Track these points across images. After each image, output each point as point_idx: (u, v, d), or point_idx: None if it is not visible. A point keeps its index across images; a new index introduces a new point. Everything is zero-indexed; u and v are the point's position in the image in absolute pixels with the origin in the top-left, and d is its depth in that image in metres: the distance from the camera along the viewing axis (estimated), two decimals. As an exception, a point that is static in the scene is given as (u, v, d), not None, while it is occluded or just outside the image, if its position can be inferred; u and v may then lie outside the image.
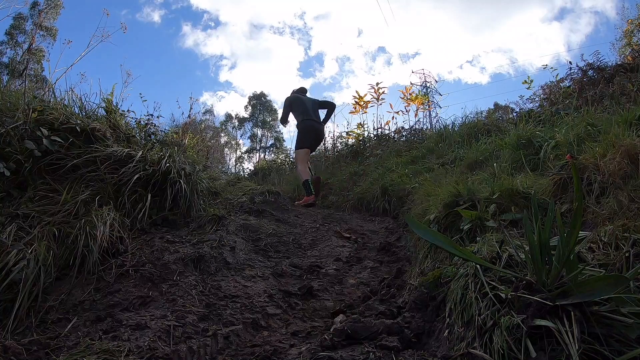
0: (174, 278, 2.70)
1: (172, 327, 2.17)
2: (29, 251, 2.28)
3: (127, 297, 2.41)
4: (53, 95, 3.67)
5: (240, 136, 39.07)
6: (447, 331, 1.73)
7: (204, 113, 28.18)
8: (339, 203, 5.95)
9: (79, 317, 2.16)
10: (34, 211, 2.57)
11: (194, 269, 2.88)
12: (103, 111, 3.85)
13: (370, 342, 1.91)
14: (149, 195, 3.39)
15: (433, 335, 1.83)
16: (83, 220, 2.67)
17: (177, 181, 3.63)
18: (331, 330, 2.15)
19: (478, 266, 1.71)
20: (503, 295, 1.46)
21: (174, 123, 7.47)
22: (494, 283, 1.56)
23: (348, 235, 4.05)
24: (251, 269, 3.10)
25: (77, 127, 3.21)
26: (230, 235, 3.57)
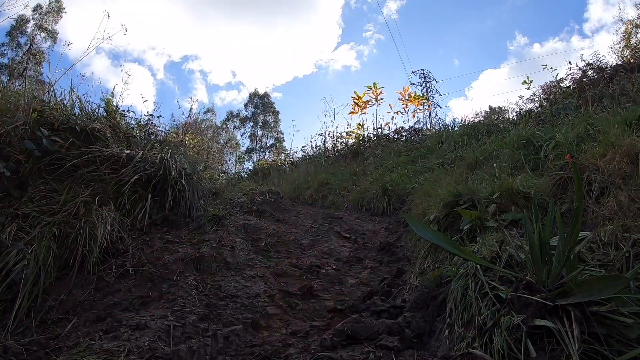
0: (174, 278, 2.70)
1: (172, 327, 2.17)
2: (29, 251, 2.28)
3: (127, 297, 2.41)
4: (53, 96, 3.66)
5: (241, 136, 39.02)
6: (447, 331, 1.73)
7: (205, 112, 28.15)
8: (339, 203, 5.95)
9: (79, 317, 2.16)
10: (33, 211, 2.57)
11: (194, 269, 2.88)
12: (103, 111, 3.85)
13: (370, 342, 1.92)
14: (149, 196, 3.38)
15: (433, 335, 1.83)
16: (83, 220, 2.67)
17: (177, 181, 3.63)
18: (331, 330, 2.15)
19: (478, 266, 1.71)
20: (503, 295, 1.47)
21: (175, 123, 7.49)
22: (494, 283, 1.56)
23: (348, 235, 4.05)
24: (251, 269, 3.10)
25: (77, 127, 3.21)
26: (230, 235, 3.57)
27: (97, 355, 1.77)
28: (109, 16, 4.34)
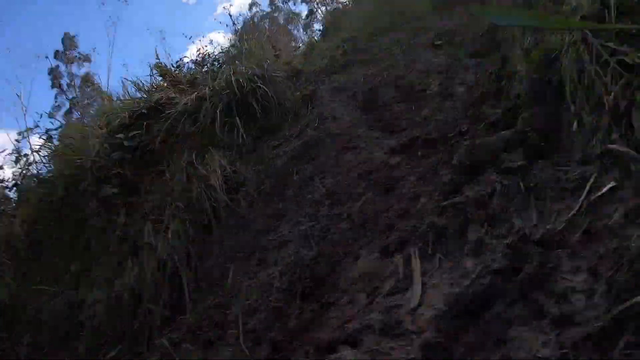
0: (294, 177, 2.72)
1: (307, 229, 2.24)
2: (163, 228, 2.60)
3: (263, 219, 2.55)
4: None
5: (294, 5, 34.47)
6: (575, 123, 1.29)
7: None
8: None
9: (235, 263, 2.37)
10: (155, 197, 2.87)
11: (304, 162, 2.84)
12: (158, 77, 3.81)
13: (491, 167, 1.61)
14: (237, 119, 3.35)
15: (561, 132, 1.40)
16: (196, 179, 2.84)
17: (254, 90, 3.46)
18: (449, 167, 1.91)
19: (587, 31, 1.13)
20: (629, 61, 0.94)
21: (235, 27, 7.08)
22: (611, 44, 1.01)
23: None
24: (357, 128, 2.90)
25: (144, 110, 3.30)
26: (327, 105, 3.36)
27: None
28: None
